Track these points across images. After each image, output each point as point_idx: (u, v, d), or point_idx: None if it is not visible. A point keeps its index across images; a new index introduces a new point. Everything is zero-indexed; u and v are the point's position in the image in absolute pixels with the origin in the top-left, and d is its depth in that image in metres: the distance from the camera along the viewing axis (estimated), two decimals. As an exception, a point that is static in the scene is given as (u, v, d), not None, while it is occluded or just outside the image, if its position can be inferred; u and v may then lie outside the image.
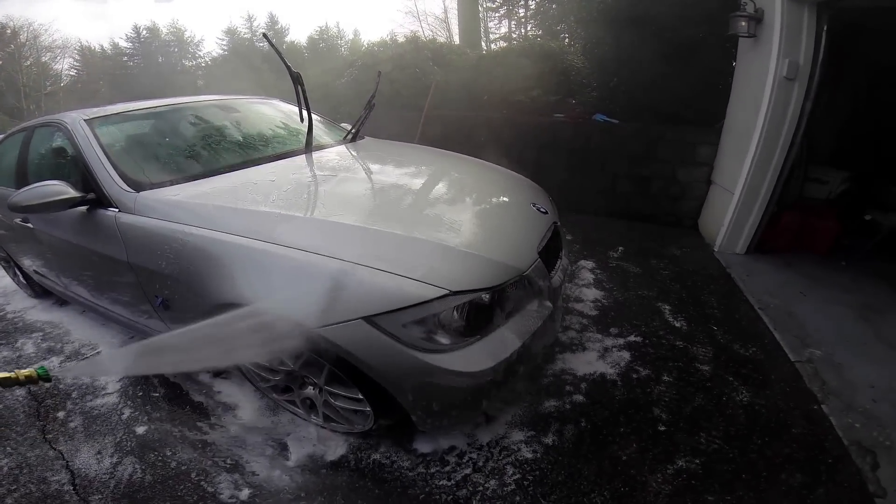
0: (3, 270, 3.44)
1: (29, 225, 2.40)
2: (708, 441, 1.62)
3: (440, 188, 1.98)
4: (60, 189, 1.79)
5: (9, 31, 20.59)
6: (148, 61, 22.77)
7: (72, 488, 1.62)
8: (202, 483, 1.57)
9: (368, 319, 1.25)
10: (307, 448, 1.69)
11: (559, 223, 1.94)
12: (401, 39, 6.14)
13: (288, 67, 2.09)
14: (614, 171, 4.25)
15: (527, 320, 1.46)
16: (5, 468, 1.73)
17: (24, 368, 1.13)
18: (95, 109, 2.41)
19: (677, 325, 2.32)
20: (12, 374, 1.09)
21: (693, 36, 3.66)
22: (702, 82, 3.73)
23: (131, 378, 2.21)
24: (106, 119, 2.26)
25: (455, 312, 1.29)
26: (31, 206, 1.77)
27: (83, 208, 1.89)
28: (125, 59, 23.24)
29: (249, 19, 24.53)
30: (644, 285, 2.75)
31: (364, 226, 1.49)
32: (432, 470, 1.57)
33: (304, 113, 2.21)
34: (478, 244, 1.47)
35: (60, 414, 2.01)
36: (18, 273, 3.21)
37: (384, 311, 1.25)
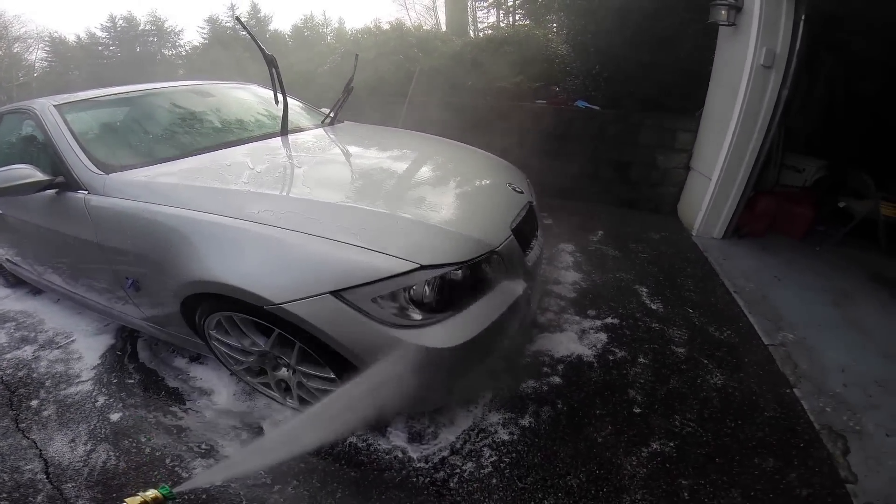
0: (-26, 260, 3.33)
1: None
2: (682, 424, 1.65)
3: (414, 167, 1.97)
4: (28, 172, 1.75)
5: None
6: (125, 50, 21.76)
7: (45, 477, 1.59)
8: (177, 468, 1.56)
9: (336, 294, 1.24)
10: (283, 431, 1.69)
11: (534, 203, 1.94)
12: (385, 27, 6.02)
13: (262, 50, 2.05)
14: (595, 157, 4.27)
15: (500, 297, 1.45)
16: (-25, 458, 1.69)
17: (150, 491, 1.12)
18: (66, 95, 2.34)
19: (654, 307, 2.36)
20: (140, 498, 1.11)
21: (674, 24, 3.67)
22: (682, 70, 3.75)
23: (106, 365, 2.17)
24: (75, 105, 2.20)
25: (426, 287, 1.29)
26: (16, 184, 1.73)
27: (52, 192, 1.84)
28: (100, 48, 22.13)
29: (231, 7, 24.07)
30: (622, 268, 2.78)
31: (334, 202, 1.48)
32: (409, 453, 1.58)
33: (280, 96, 2.16)
34: (449, 220, 1.46)
35: (34, 403, 1.97)
36: (-10, 262, 3.12)
37: (352, 285, 1.24)
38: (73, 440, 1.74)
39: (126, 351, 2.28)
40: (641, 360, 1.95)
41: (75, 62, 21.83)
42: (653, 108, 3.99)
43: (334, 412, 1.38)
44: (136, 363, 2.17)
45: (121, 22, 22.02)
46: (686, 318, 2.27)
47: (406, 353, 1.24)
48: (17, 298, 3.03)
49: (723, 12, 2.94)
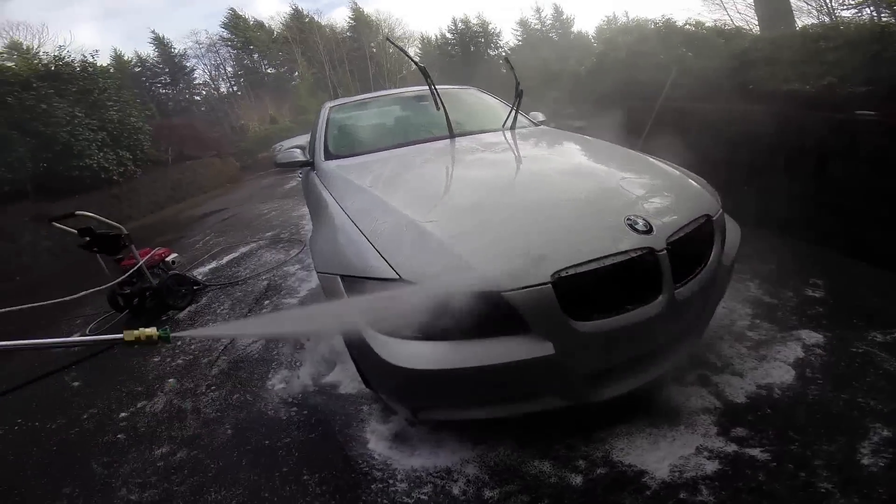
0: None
1: (299, 177, 3.59)
2: None
3: (530, 184, 1.79)
4: (296, 154, 2.64)
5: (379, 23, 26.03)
6: (464, 50, 25.63)
7: (221, 348, 2.53)
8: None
9: (343, 277, 1.43)
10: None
11: (661, 252, 1.32)
12: (652, 25, 5.28)
13: (414, 62, 2.37)
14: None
15: (497, 349, 1.23)
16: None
17: (150, 328, 1.24)
18: (342, 98, 3.30)
19: (864, 462, 1.31)
20: (139, 333, 1.20)
21: None
22: None
23: (314, 290, 3.08)
24: (340, 107, 3.09)
25: None
26: (281, 163, 2.69)
27: (307, 168, 2.69)
28: (449, 48, 26.65)
29: (538, 11, 26.28)
30: (883, 394, 1.62)
31: (394, 206, 1.60)
32: (378, 441, 1.65)
33: (439, 102, 2.36)
34: (479, 247, 1.32)
35: (266, 302, 3.10)
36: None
37: (349, 274, 1.40)
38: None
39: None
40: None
41: (434, 59, 27.34)
42: None
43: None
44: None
45: (460, 25, 26.58)
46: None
47: (364, 348, 1.32)
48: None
49: None
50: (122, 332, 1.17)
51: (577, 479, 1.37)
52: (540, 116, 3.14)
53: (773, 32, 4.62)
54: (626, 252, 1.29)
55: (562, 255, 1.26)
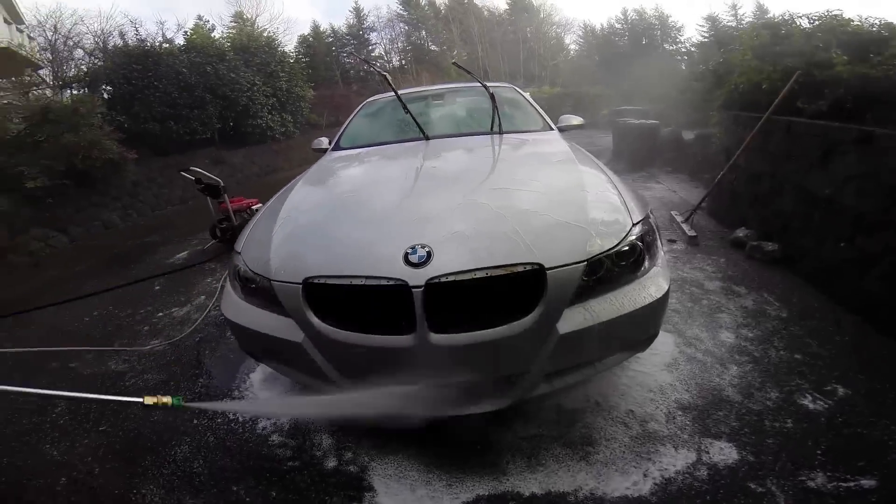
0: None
1: None
2: None
3: (389, 190, 1.86)
4: (323, 141, 3.07)
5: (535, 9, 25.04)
6: (633, 41, 23.46)
7: None
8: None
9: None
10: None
11: (416, 290, 1.25)
12: (802, 21, 4.02)
13: (375, 69, 2.57)
14: None
15: (269, 321, 1.48)
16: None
17: (166, 396, 1.18)
18: (379, 95, 3.47)
19: None
20: (157, 399, 1.17)
21: None
22: None
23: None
24: (372, 103, 3.35)
25: (238, 268, 1.62)
26: (313, 149, 3.13)
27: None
28: (615, 38, 24.58)
29: (734, 7, 22.46)
30: None
31: (285, 196, 1.96)
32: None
33: (406, 108, 2.50)
34: (282, 239, 1.58)
35: None
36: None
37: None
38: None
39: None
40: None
41: (595, 49, 25.52)
42: None
43: None
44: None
45: (632, 15, 24.21)
46: None
47: None
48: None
49: None
50: (142, 397, 1.20)
51: (331, 463, 1.57)
52: (574, 121, 2.89)
53: None
54: (376, 278, 1.30)
55: (323, 264, 1.40)
